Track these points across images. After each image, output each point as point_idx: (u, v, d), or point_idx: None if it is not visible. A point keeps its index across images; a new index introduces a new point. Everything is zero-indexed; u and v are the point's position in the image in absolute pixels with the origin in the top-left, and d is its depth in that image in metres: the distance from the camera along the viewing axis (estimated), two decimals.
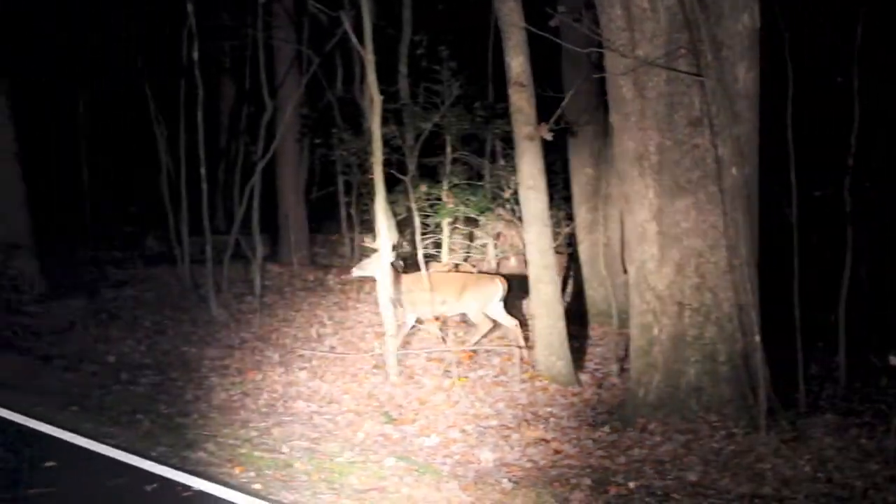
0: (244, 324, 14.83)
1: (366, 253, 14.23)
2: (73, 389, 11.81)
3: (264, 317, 15.04)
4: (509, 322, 13.29)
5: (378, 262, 12.64)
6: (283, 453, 9.53)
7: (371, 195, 12.64)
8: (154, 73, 19.29)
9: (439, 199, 15.31)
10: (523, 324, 13.67)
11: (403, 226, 15.38)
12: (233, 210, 18.11)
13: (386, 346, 11.99)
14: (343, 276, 17.09)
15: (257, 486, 8.56)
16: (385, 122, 12.73)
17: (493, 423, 10.48)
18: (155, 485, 8.47)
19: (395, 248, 13.11)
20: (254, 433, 10.19)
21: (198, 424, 10.47)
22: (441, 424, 10.45)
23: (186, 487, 8.42)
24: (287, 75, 17.99)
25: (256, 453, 9.50)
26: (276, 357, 13.03)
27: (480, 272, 15.19)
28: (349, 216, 18.30)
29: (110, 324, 14.93)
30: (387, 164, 12.76)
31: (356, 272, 13.59)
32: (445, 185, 15.32)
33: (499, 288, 13.19)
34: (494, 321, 13.35)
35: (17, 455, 9.30)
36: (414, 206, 13.61)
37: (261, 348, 13.55)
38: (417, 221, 13.25)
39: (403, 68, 15.88)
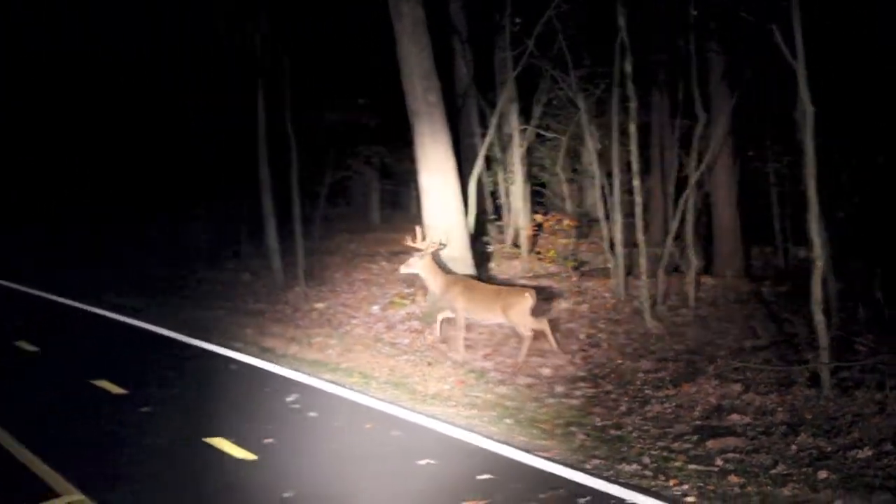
0: (678, 336, 14.87)
1: (410, 252, 15.29)
2: (507, 402, 12.29)
3: (698, 329, 15.02)
4: (526, 332, 14.21)
5: (421, 261, 14.76)
6: (717, 466, 9.59)
7: (805, 207, 12.46)
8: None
9: None
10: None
11: None
12: (666, 221, 18.26)
13: (820, 359, 11.77)
14: (777, 288, 16.82)
15: (691, 500, 8.70)
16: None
17: None
18: (588, 497, 8.70)
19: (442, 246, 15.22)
20: (688, 445, 10.30)
21: (632, 437, 10.67)
22: (874, 437, 10.12)
23: (620, 500, 8.65)
24: (719, 87, 17.92)
25: (691, 466, 9.61)
26: (710, 369, 12.98)
27: (511, 285, 15.74)
28: (783, 228, 17.94)
29: (545, 337, 15.08)
30: (820, 176, 12.51)
31: (403, 269, 15.30)
32: None
33: (528, 301, 14.18)
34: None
35: (449, 467, 9.73)
36: None
37: (695, 360, 13.58)
38: None
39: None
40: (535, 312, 14.57)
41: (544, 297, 17.05)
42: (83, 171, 33.17)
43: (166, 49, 28.35)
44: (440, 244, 15.51)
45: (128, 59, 30.05)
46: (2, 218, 34.10)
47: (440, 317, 15.34)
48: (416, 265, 15.11)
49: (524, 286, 15.12)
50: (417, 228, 15.43)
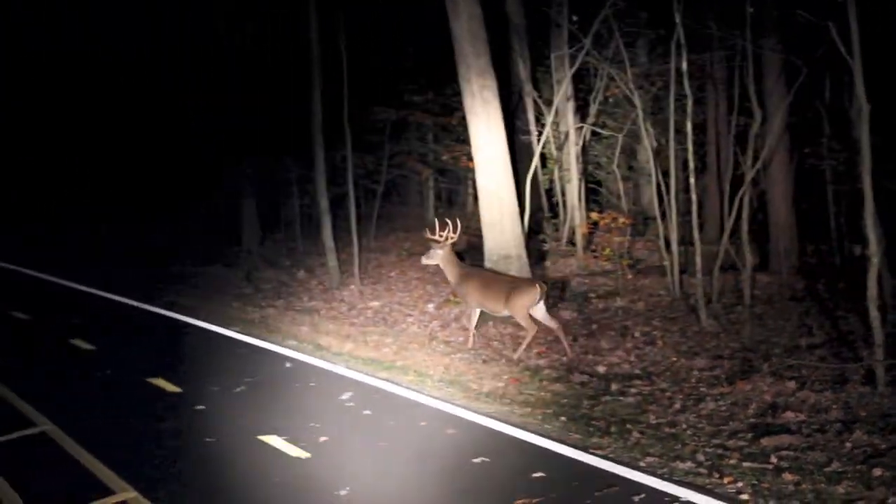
0: (733, 334, 14.80)
1: (430, 245, 15.63)
2: (562, 400, 12.32)
3: (754, 327, 14.90)
4: (552, 323, 14.81)
5: (439, 253, 15.33)
6: (772, 463, 9.59)
7: (860, 204, 12.39)
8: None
9: None
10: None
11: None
12: (722, 219, 18.19)
13: (875, 356, 11.70)
14: (832, 286, 16.70)
15: (745, 497, 8.72)
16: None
17: None
18: (643, 495, 8.76)
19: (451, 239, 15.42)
20: (742, 443, 10.30)
21: (687, 435, 10.68)
22: None
23: (674, 498, 8.69)
24: (775, 84, 17.81)
25: (745, 463, 9.62)
26: (765, 367, 12.94)
27: (520, 277, 15.95)
28: (838, 225, 17.78)
29: (600, 334, 15.37)
30: (875, 173, 12.43)
31: (424, 261, 15.76)
32: None
33: (537, 292, 14.60)
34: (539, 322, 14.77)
35: (503, 465, 9.80)
36: None
37: (749, 358, 13.53)
38: None
39: None
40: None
41: (599, 295, 17.12)
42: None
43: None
44: (454, 236, 15.72)
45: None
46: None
47: (472, 322, 15.62)
48: (436, 256, 15.58)
49: (534, 280, 15.40)
50: (437, 221, 15.85)
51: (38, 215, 35.79)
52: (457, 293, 16.06)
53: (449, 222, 15.66)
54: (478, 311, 15.41)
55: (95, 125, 33.00)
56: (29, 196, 36.84)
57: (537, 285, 14.73)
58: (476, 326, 15.51)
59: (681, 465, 9.60)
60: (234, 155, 27.33)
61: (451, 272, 15.61)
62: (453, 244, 15.66)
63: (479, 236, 17.55)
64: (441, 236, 15.54)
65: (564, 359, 14.20)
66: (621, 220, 19.30)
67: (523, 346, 14.63)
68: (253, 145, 27.04)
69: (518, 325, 15.23)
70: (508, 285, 14.94)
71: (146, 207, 32.67)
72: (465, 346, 15.22)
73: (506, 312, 14.96)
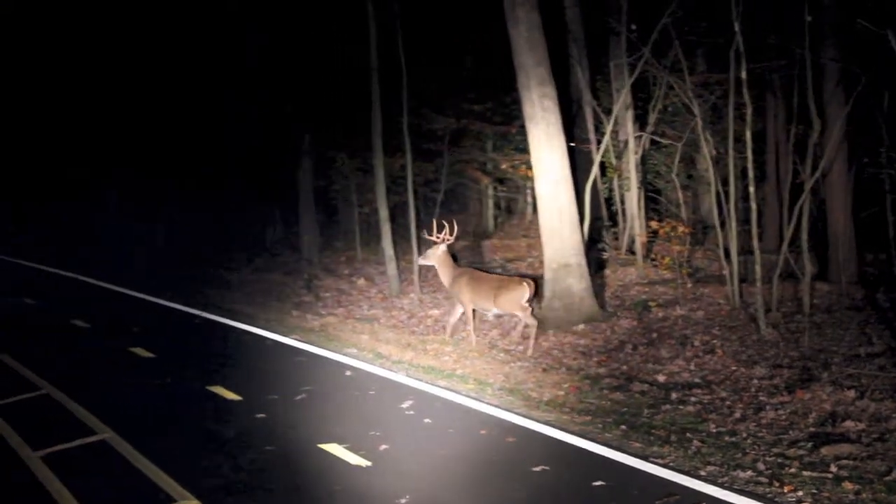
0: (793, 343, 14.74)
1: (427, 245, 16.42)
2: (622, 409, 12.37)
3: (813, 336, 14.85)
4: (530, 320, 15.56)
5: (435, 253, 16.03)
6: (832, 472, 9.60)
7: None
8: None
9: None
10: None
11: None
12: (781, 228, 18.14)
13: None
14: (892, 295, 16.59)
15: None
16: None
17: None
18: None
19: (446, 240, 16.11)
20: (802, 452, 10.31)
21: (747, 443, 10.70)
22: None
23: None
24: (834, 93, 17.75)
25: (805, 472, 9.63)
26: (824, 376, 12.92)
27: (510, 275, 16.74)
28: None
29: (660, 343, 15.36)
30: None
31: (421, 261, 16.63)
32: None
33: (525, 289, 15.35)
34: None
35: (563, 474, 9.86)
36: None
37: (809, 367, 13.49)
38: None
39: None
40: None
41: (659, 304, 17.15)
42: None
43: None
44: (451, 238, 16.36)
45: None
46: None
47: (453, 318, 16.48)
48: (432, 257, 16.32)
49: (524, 276, 16.06)
50: (434, 222, 16.39)
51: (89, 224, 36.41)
52: (451, 293, 16.66)
53: (446, 224, 16.03)
54: (471, 308, 16.11)
55: (144, 125, 33.44)
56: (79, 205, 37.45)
57: (524, 283, 15.38)
58: (535, 337, 15.62)
59: (741, 474, 9.64)
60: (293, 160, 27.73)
61: (445, 273, 16.29)
62: (449, 245, 16.32)
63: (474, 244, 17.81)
64: (438, 237, 16.11)
65: (624, 367, 14.30)
66: (681, 228, 19.27)
67: (532, 341, 15.30)
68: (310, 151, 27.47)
69: (578, 334, 15.34)
70: (497, 284, 15.60)
71: (204, 214, 33.21)
72: (526, 355, 15.31)
73: (496, 311, 15.70)
